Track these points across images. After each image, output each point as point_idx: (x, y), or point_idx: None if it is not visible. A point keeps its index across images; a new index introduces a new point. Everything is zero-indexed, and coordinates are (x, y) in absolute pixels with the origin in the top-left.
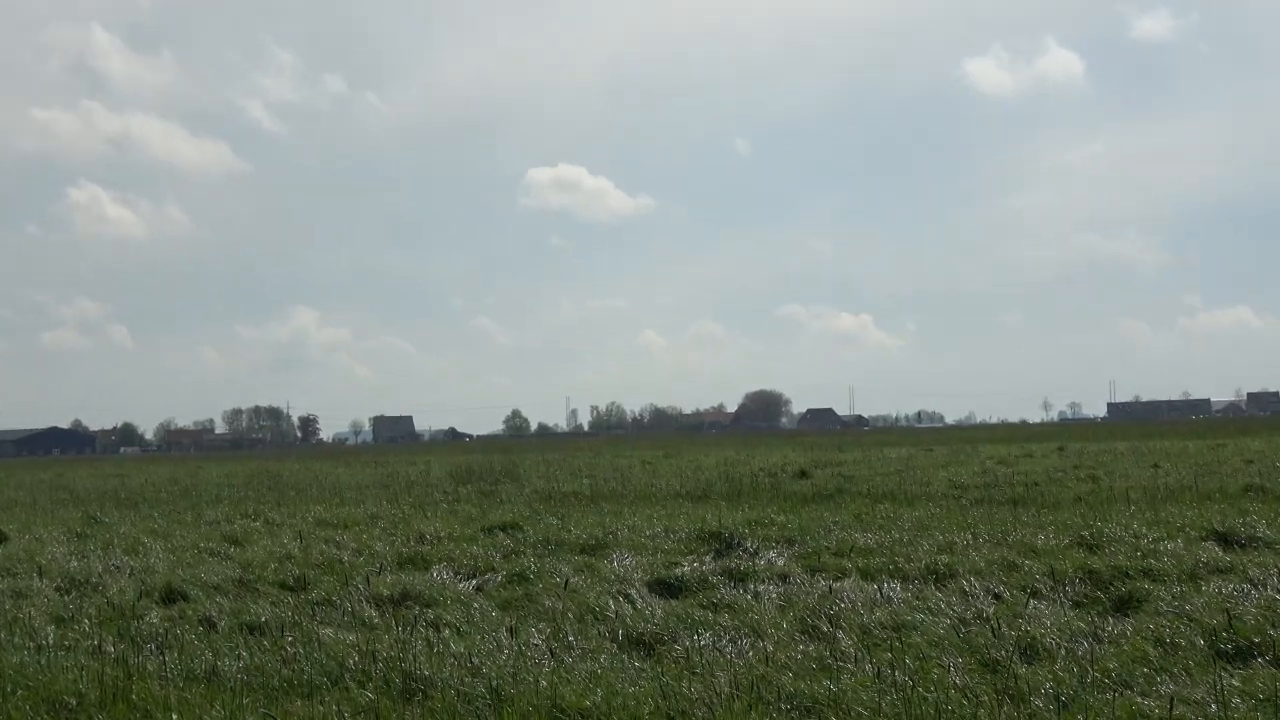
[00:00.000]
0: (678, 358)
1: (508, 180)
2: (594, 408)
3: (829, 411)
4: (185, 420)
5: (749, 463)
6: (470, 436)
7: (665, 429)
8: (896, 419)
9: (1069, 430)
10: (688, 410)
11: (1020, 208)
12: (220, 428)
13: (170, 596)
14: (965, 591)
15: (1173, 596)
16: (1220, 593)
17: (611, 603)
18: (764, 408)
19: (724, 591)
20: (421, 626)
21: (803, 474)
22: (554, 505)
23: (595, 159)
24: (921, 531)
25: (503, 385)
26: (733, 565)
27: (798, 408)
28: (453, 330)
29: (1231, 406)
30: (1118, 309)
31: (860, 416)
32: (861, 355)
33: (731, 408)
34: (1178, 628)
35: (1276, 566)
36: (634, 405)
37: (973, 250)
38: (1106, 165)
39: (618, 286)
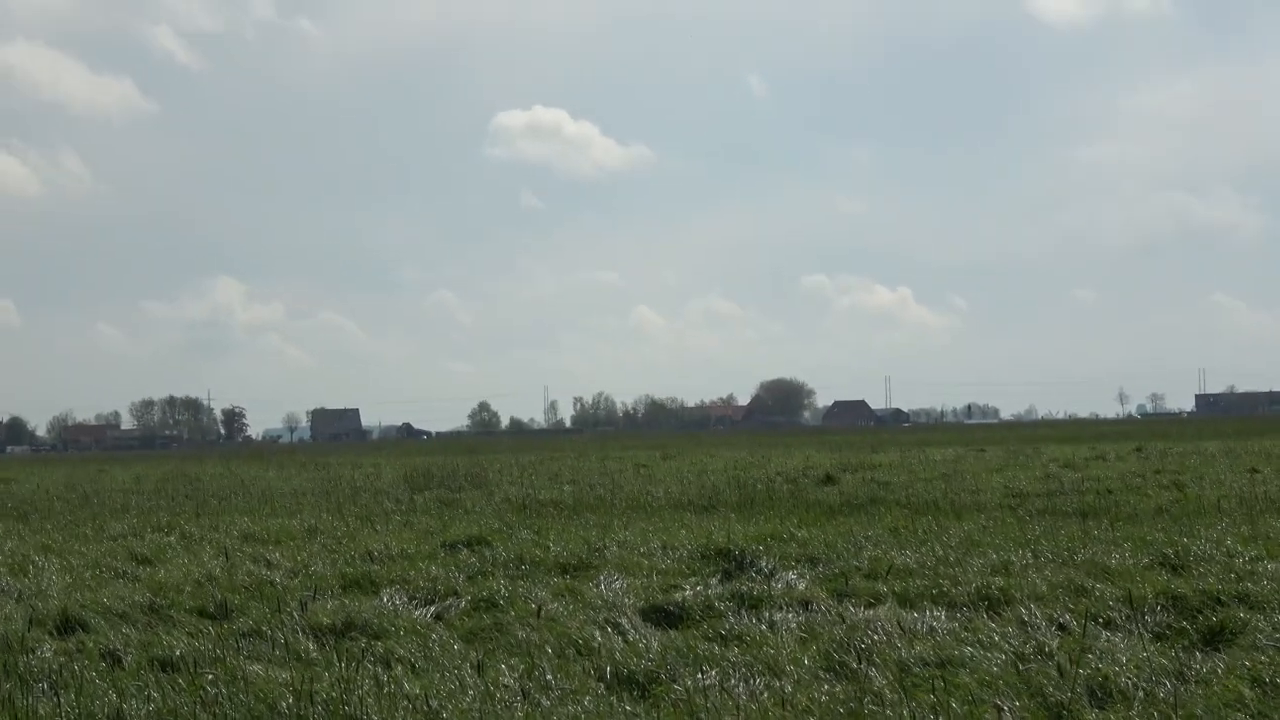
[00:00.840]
0: (678, 340)
1: (472, 126)
2: (577, 400)
3: (860, 405)
4: (85, 414)
5: (764, 466)
6: (428, 434)
7: (663, 426)
8: (942, 414)
9: (1149, 427)
10: (690, 403)
11: (1092, 161)
12: (127, 422)
13: (66, 626)
14: (1024, 621)
15: (1273, 628)
16: None
17: (598, 634)
18: (782, 400)
19: (733, 621)
20: (369, 662)
21: (829, 479)
22: (529, 516)
23: (578, 100)
24: (971, 549)
25: (467, 373)
26: (744, 589)
27: (823, 400)
28: (407, 307)
29: None
30: (1210, 283)
31: (898, 411)
32: (900, 337)
33: (743, 400)
34: (1279, 665)
35: None
36: (625, 397)
37: (1035, 212)
38: (1197, 110)
39: (606, 255)
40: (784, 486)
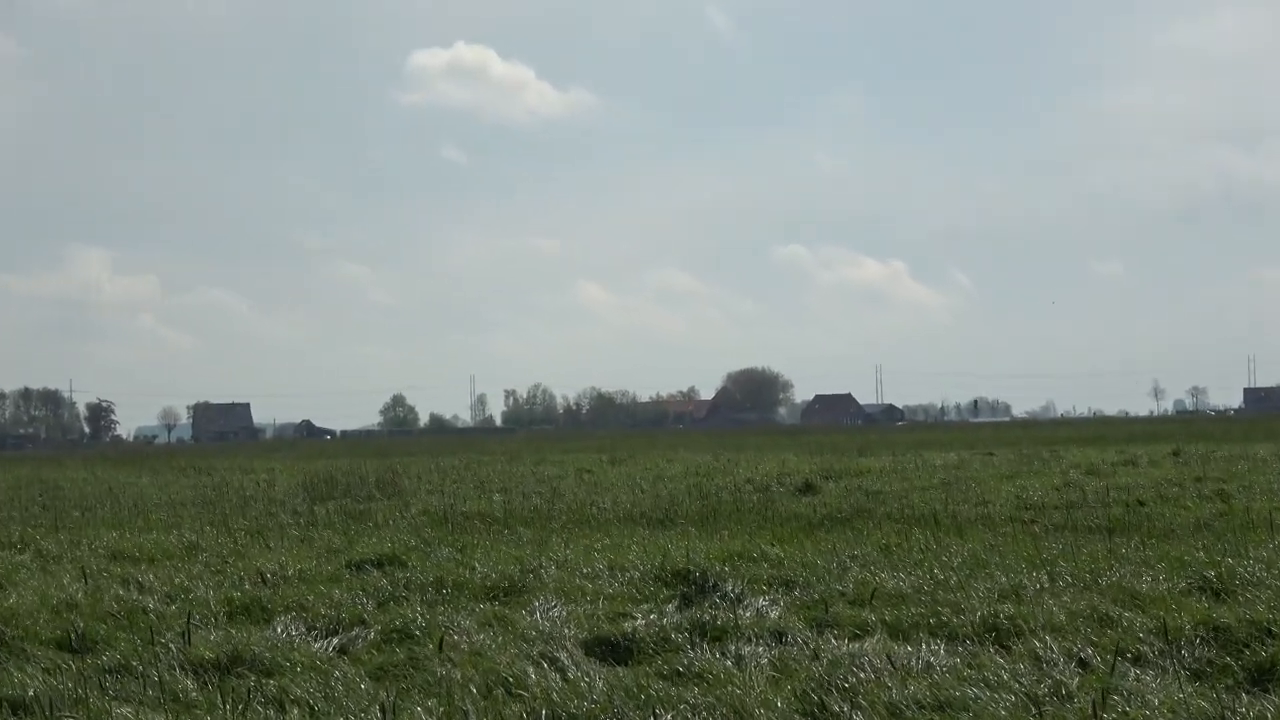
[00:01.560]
0: (630, 322)
1: (382, 67)
2: (510, 393)
3: (846, 399)
4: None
5: (731, 472)
6: (332, 434)
7: (612, 424)
8: (943, 410)
9: (1188, 427)
10: (644, 397)
11: (1120, 110)
12: None
13: None
14: (1038, 656)
15: None
16: None
17: (532, 670)
18: (754, 394)
19: (693, 655)
20: (259, 704)
21: (808, 488)
22: (451, 531)
23: (509, 37)
24: (976, 570)
25: (379, 361)
26: (706, 618)
27: (802, 393)
28: (305, 280)
29: None
30: (1260, 254)
31: (891, 407)
32: (893, 320)
33: (707, 393)
34: None
35: None
36: (567, 390)
37: (1052, 172)
38: (1245, 49)
39: (544, 219)
40: (754, 496)
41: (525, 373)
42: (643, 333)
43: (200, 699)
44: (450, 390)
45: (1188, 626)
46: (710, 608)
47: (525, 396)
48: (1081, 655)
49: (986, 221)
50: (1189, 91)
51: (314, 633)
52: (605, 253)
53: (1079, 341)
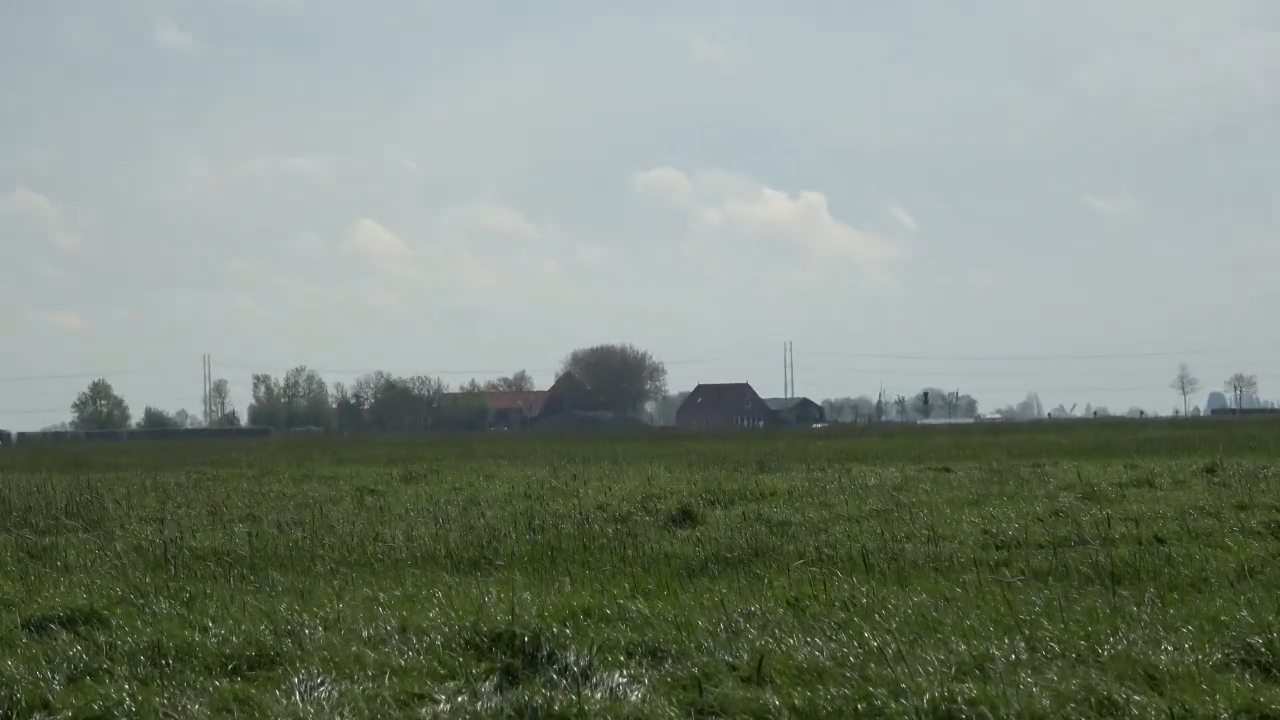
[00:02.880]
0: (431, 278)
1: None
2: (261, 380)
3: (741, 390)
4: None
5: (576, 493)
6: (7, 435)
7: (408, 424)
8: (880, 408)
9: (1230, 432)
10: (453, 386)
11: None
12: None
13: None
14: None
15: None
16: None
17: None
18: (610, 382)
19: None
20: None
21: (685, 516)
22: (175, 577)
23: None
24: (925, 634)
25: (70, 333)
26: (538, 701)
27: (678, 382)
28: None
29: None
30: None
31: (806, 402)
32: (808, 278)
33: (543, 382)
34: None
35: None
36: (343, 376)
37: (1034, 70)
38: None
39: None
40: (609, 529)
41: (282, 352)
42: (449, 294)
43: None
44: (174, 376)
45: (1225, 715)
46: (544, 687)
47: (283, 385)
48: None
49: (941, 138)
50: None
51: None
52: (393, 179)
53: (1073, 310)
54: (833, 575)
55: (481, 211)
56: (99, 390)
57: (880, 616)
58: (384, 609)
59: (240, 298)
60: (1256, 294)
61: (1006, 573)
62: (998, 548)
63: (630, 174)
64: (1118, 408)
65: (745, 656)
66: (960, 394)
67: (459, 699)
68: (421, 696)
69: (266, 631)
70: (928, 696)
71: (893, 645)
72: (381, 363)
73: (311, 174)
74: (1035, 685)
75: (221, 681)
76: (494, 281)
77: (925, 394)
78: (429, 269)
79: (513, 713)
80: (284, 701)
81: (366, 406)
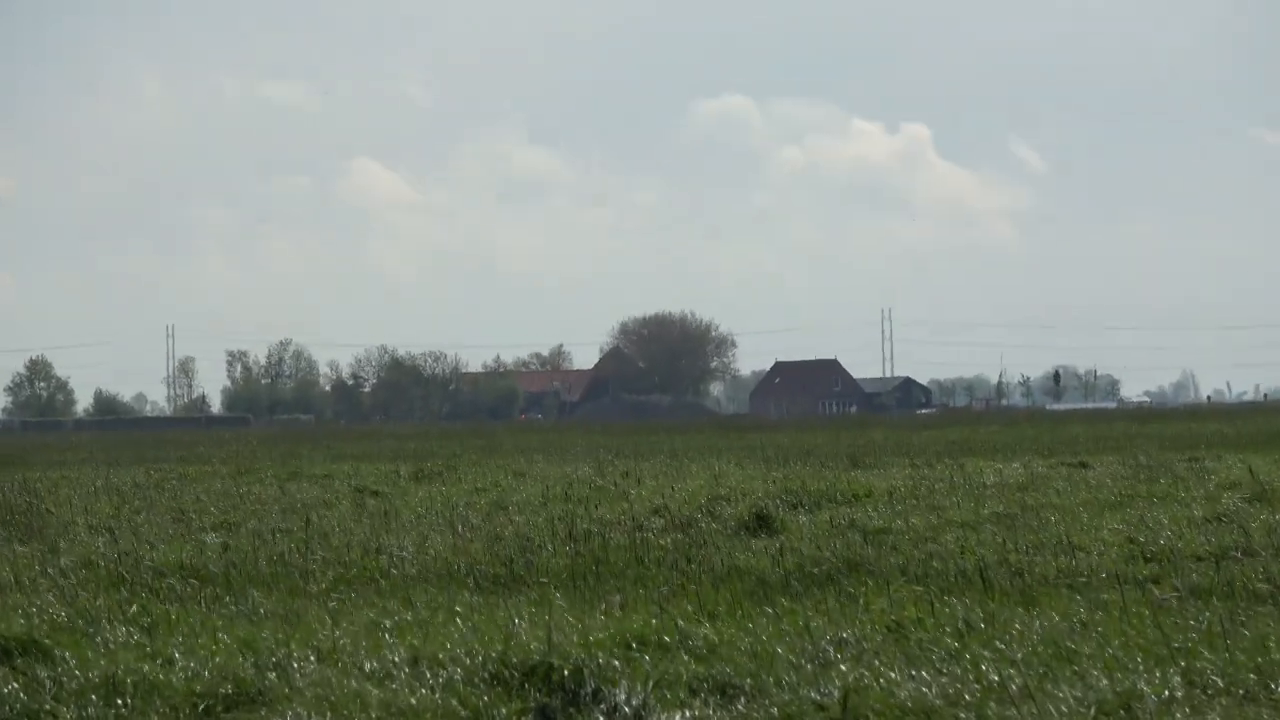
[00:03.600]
0: (445, 231)
1: None
2: (237, 357)
3: (828, 369)
4: None
5: (627, 493)
6: None
7: (419, 411)
8: (1000, 390)
9: None
10: (475, 365)
11: None
12: None
13: None
14: None
15: None
16: None
17: None
18: (668, 359)
19: None
20: None
21: (760, 522)
22: (131, 597)
23: None
24: (1057, 667)
25: None
26: None
27: (752, 359)
28: None
29: None
30: None
31: (908, 383)
32: (911, 232)
33: (586, 359)
34: None
35: None
36: (338, 353)
37: None
38: None
39: (284, 50)
40: (666, 538)
41: (263, 323)
42: (468, 251)
43: None
44: (130, 352)
45: None
46: None
47: (264, 364)
48: None
49: (1074, 60)
50: None
51: None
52: (397, 110)
53: (1239, 270)
54: (943, 594)
55: (508, 149)
56: (37, 370)
57: (1002, 644)
58: (390, 636)
59: (209, 256)
60: None
61: (1157, 591)
62: (1146, 560)
63: (690, 103)
64: None
65: (835, 694)
66: (1099, 373)
67: None
68: None
69: (246, 664)
70: None
71: (1017, 680)
72: (385, 336)
73: (295, 102)
74: None
75: None
76: (524, 236)
77: (1056, 373)
78: (443, 220)
79: None
80: None
81: (367, 390)
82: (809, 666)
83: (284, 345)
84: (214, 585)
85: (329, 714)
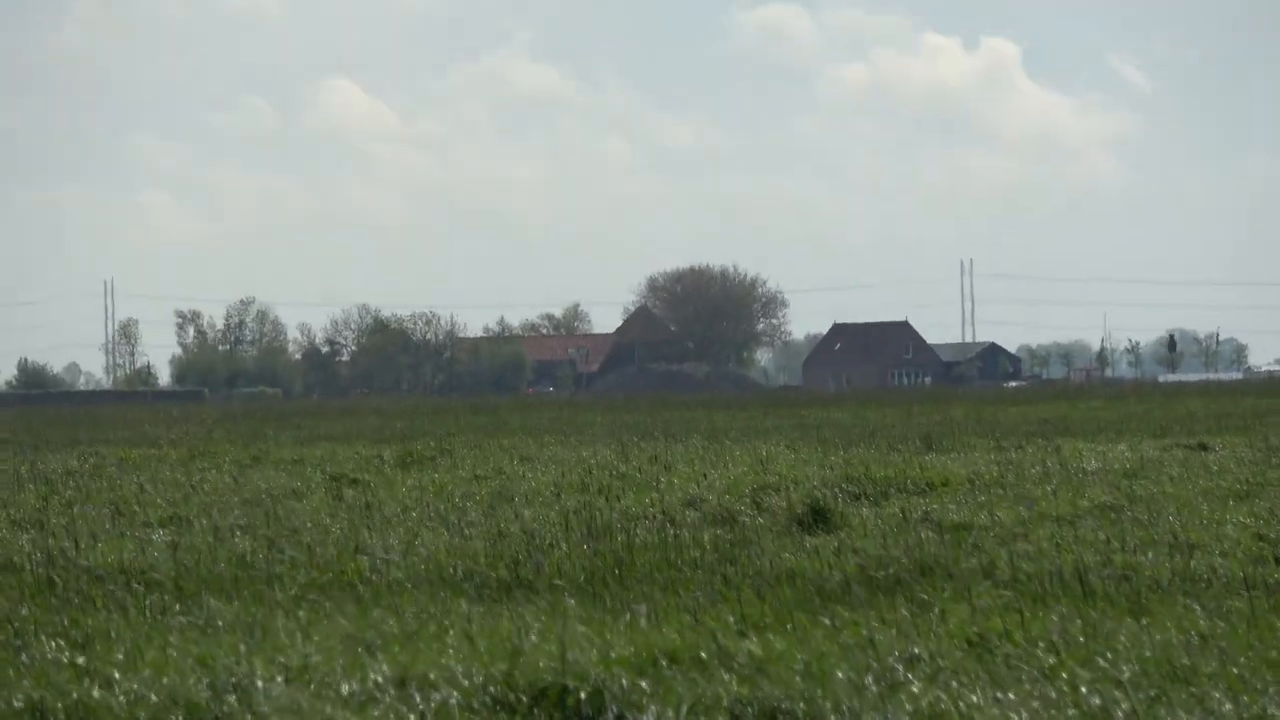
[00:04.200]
0: (441, 169)
1: None
2: (188, 320)
3: (897, 334)
4: None
5: (657, 481)
6: None
7: (407, 384)
8: (1103, 357)
9: None
10: (474, 329)
11: None
12: None
13: None
14: None
15: None
16: None
17: None
18: (702, 323)
19: None
20: None
21: (816, 516)
22: (63, 605)
23: None
24: (1171, 687)
25: None
26: None
27: (806, 321)
28: None
29: None
30: None
31: (994, 350)
32: (996, 167)
33: (606, 322)
34: None
35: None
36: (308, 314)
37: None
38: None
39: None
40: (704, 534)
41: (219, 278)
42: (465, 191)
43: None
44: (61, 313)
45: None
46: None
47: (221, 327)
48: None
49: None
50: None
51: None
52: (377, 21)
53: None
54: (1035, 602)
55: (510, 67)
56: None
57: (1105, 661)
58: (373, 653)
59: (155, 195)
60: None
61: None
62: (1278, 561)
63: (729, 11)
64: None
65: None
66: (1222, 337)
67: None
68: None
69: (200, 686)
70: None
71: (1125, 703)
72: (367, 294)
73: (254, 10)
74: None
75: None
76: (531, 172)
77: (1171, 337)
78: (434, 153)
79: None
80: None
81: (345, 358)
82: (874, 688)
83: (245, 305)
84: (161, 591)
85: None
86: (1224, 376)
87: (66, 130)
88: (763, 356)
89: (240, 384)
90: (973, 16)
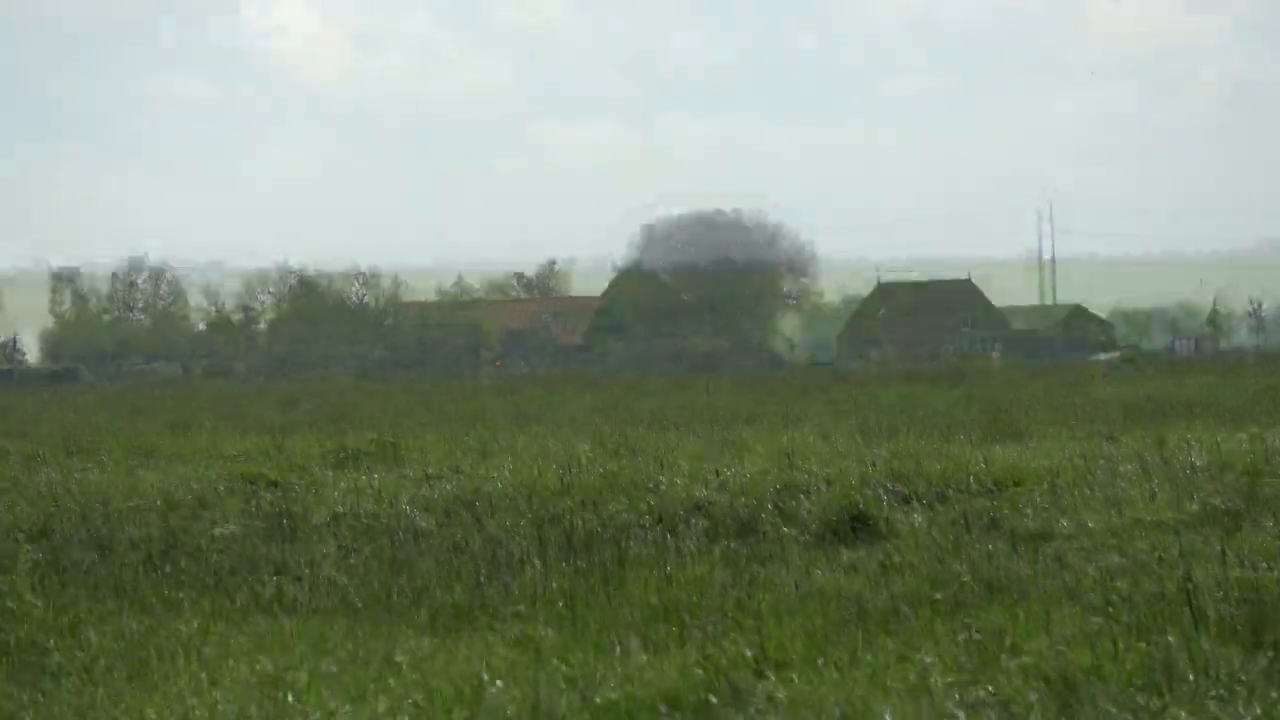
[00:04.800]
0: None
1: None
2: (63, 281)
3: (958, 294)
4: None
5: (654, 478)
6: None
7: (339, 359)
8: (1214, 324)
9: None
10: (428, 293)
11: None
12: None
13: None
14: None
15: None
16: None
17: None
18: (711, 280)
19: None
20: None
21: (855, 521)
22: None
23: None
24: None
25: None
26: None
27: (839, 281)
28: None
29: None
30: None
31: (1079, 313)
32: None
33: (592, 284)
34: None
35: None
36: (217, 272)
37: None
38: None
39: None
40: (715, 546)
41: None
42: (414, 112)
43: None
44: None
45: None
46: None
47: (106, 291)
48: None
49: None
50: None
51: None
52: None
53: None
54: (1131, 630)
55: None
56: None
57: (1220, 703)
58: (297, 696)
59: (16, 126)
60: None
61: None
62: None
63: None
64: None
65: None
66: None
67: None
68: None
69: None
70: None
71: None
72: (287, 247)
73: None
74: None
75: None
76: (499, 89)
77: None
78: (365, 62)
79: None
80: None
81: (262, 326)
82: None
83: (135, 262)
84: (26, 623)
85: None
86: None
87: None
88: (789, 323)
89: (129, 360)
90: None
